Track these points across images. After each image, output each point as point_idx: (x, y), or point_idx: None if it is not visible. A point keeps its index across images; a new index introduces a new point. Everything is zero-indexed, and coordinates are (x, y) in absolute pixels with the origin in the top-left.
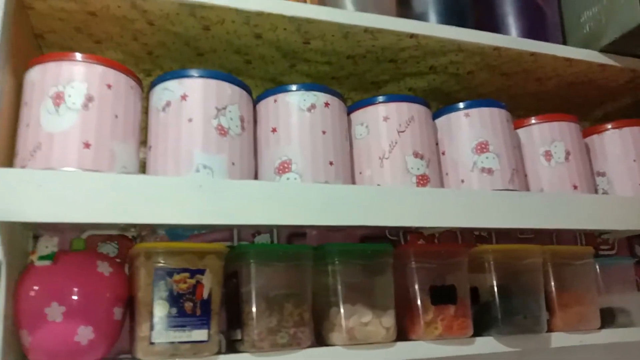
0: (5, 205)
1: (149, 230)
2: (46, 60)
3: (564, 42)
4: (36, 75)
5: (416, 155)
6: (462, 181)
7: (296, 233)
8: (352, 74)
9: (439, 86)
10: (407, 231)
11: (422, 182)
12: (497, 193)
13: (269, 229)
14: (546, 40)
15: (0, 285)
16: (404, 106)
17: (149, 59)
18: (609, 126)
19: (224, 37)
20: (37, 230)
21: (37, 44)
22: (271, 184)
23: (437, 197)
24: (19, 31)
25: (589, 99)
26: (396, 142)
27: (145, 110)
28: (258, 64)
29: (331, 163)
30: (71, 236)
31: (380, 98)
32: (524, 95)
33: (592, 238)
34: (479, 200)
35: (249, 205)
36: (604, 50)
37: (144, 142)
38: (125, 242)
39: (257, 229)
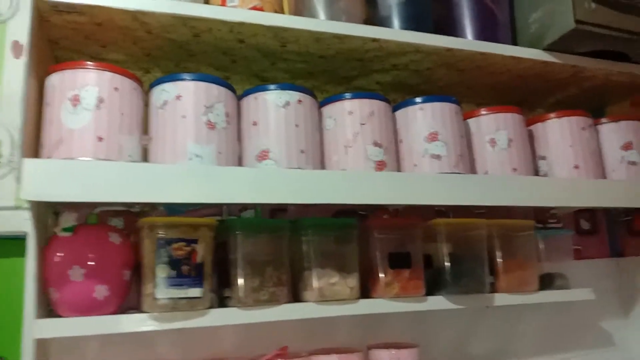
0: (36, 188)
1: (150, 207)
2: (64, 68)
3: (515, 42)
4: (56, 80)
5: (375, 144)
6: (415, 165)
7: (278, 208)
8: (325, 70)
9: (403, 80)
10: (374, 207)
11: (380, 167)
12: (444, 175)
13: (253, 205)
14: (497, 40)
15: (30, 252)
16: (366, 102)
17: (147, 60)
18: (551, 115)
19: (212, 42)
20: (56, 208)
21: (52, 48)
22: (252, 170)
23: (392, 180)
24: (39, 39)
25: (539, 90)
26: (358, 133)
27: (146, 104)
28: (242, 62)
29: (303, 151)
30: (85, 212)
31: (347, 95)
32: (479, 87)
33: (541, 213)
34: (428, 181)
35: (233, 187)
36: (547, 49)
37: (145, 130)
38: (130, 216)
39: (244, 206)
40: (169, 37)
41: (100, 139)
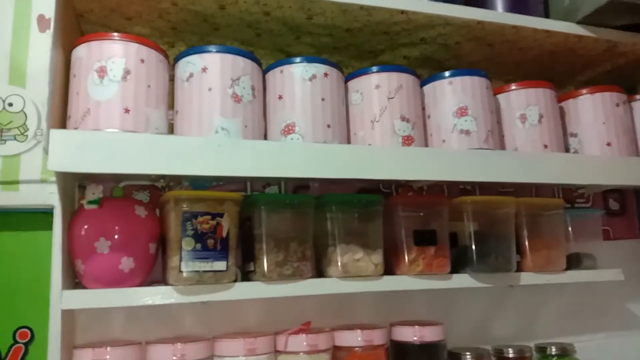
0: (62, 159)
1: (176, 182)
2: (90, 39)
3: (547, 15)
4: (82, 52)
5: (403, 119)
6: (444, 141)
7: (301, 185)
8: (351, 44)
9: (431, 55)
10: (398, 184)
11: (407, 142)
12: (473, 151)
13: (277, 181)
14: (529, 13)
15: (56, 225)
16: (394, 76)
17: (172, 33)
18: (583, 91)
19: (237, 14)
20: (82, 181)
21: (77, 21)
22: (278, 144)
23: (419, 155)
24: (65, 12)
25: (570, 66)
26: (386, 108)
27: (172, 79)
28: (267, 36)
29: (329, 126)
30: (110, 186)
31: (374, 68)
32: (508, 63)
33: (569, 192)
34: (456, 157)
35: (259, 161)
36: (581, 22)
37: (171, 105)
38: (155, 191)
39: (267, 182)
40: (194, 10)
41: (126, 110)
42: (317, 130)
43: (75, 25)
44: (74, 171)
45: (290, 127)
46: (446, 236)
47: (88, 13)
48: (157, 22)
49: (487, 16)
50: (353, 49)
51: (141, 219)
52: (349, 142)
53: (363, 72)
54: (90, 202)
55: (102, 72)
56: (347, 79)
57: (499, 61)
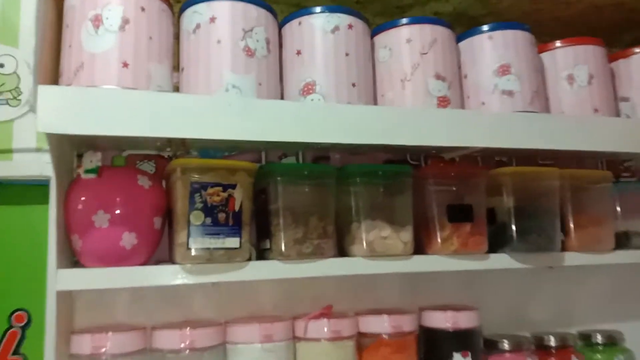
0: (52, 120)
1: (184, 151)
2: None
3: None
4: (75, 0)
5: (438, 77)
6: (483, 103)
7: (321, 156)
8: None
9: (465, 10)
10: (427, 155)
11: (442, 103)
12: (517, 114)
13: (294, 151)
14: None
15: (52, 197)
16: (427, 28)
17: None
18: (637, 50)
19: None
20: (80, 150)
21: None
22: (296, 104)
23: (457, 118)
24: None
25: (618, 23)
26: (418, 65)
27: (177, 37)
28: None
29: (354, 85)
30: (112, 155)
31: (404, 20)
32: (551, 20)
33: (614, 165)
34: (498, 121)
35: (274, 124)
36: None
37: (177, 67)
38: (162, 161)
39: (284, 152)
40: None
41: (125, 64)
42: (341, 90)
43: None
44: (64, 132)
45: (309, 86)
46: (483, 212)
47: None
48: None
49: None
50: (378, 4)
51: (144, 190)
52: (375, 104)
53: (392, 24)
54: (87, 171)
55: (97, 21)
56: (374, 33)
57: (539, 18)
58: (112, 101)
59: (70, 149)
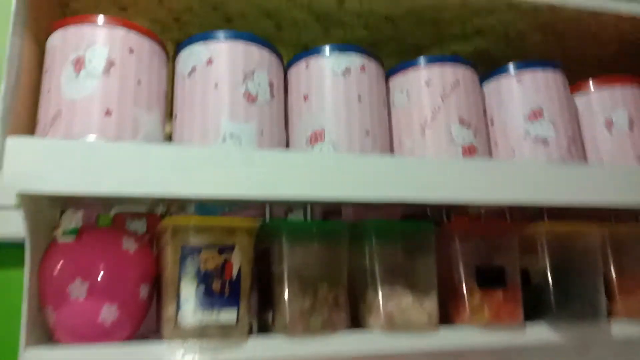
0: (20, 176)
1: (178, 207)
2: (67, 24)
3: None
4: (57, 40)
5: (462, 122)
6: (514, 152)
7: (331, 211)
8: (391, 38)
9: (487, 50)
10: (450, 209)
11: (468, 152)
12: (554, 165)
13: (302, 205)
14: None
15: (26, 262)
16: (448, 69)
17: (176, 27)
18: None
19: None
20: (65, 206)
21: (63, 13)
22: (302, 154)
23: (487, 169)
24: (43, 1)
25: None
26: (439, 109)
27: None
28: (289, 29)
29: (368, 132)
30: (99, 212)
31: (422, 60)
32: (582, 59)
33: None
34: (533, 172)
35: (278, 177)
36: None
37: (171, 114)
38: (154, 219)
39: (290, 206)
40: None
41: (108, 112)
42: (353, 138)
43: (60, 16)
44: (33, 192)
45: (318, 134)
46: (517, 274)
47: (73, 1)
48: (158, 12)
49: None
50: (393, 45)
51: (130, 255)
52: (392, 153)
53: (409, 65)
54: (65, 233)
55: (79, 64)
56: (388, 75)
57: (568, 57)
58: (91, 154)
59: (50, 206)
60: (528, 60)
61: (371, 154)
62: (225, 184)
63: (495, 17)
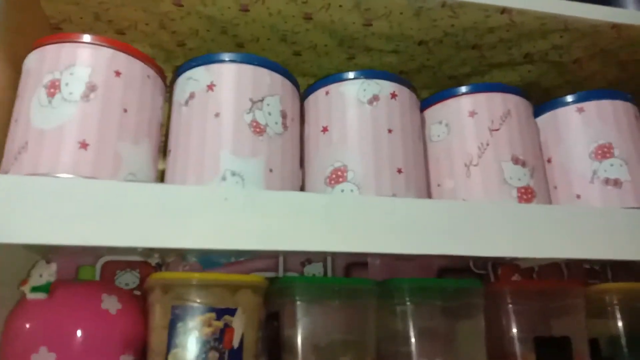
0: None
1: (177, 256)
2: (46, 42)
3: None
4: (33, 61)
5: (516, 161)
6: (578, 196)
7: (356, 262)
8: (425, 65)
9: (536, 80)
10: (497, 263)
11: (525, 196)
12: (631, 212)
13: (321, 256)
14: None
15: None
16: (497, 98)
17: (181, 53)
18: None
19: (267, 20)
20: (45, 255)
21: None
22: (321, 197)
23: (550, 217)
24: (28, 20)
25: None
26: (488, 144)
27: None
28: (309, 55)
29: (400, 171)
30: (86, 262)
31: (464, 89)
32: None
33: None
34: (607, 221)
35: (290, 226)
36: None
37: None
38: (148, 269)
39: (307, 257)
40: (206, 13)
41: (84, 144)
42: (382, 178)
43: None
44: None
45: (340, 173)
46: (585, 345)
47: (65, 23)
48: (159, 34)
49: (627, 17)
50: (427, 73)
51: (109, 317)
52: (429, 196)
53: (449, 94)
54: (35, 290)
55: (53, 87)
56: (424, 106)
57: (632, 88)
58: (58, 195)
59: (27, 254)
60: (591, 90)
61: (404, 197)
62: (224, 234)
63: (548, 41)
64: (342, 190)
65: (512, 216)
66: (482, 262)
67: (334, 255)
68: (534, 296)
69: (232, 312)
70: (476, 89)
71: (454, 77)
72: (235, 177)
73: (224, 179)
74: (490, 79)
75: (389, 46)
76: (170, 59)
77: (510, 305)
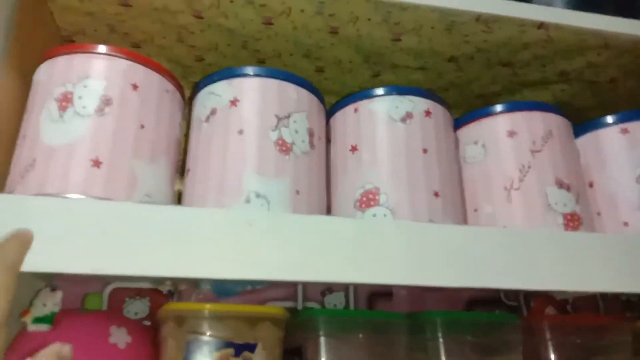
0: None
1: (190, 284)
2: (58, 53)
3: None
4: (43, 73)
5: (560, 184)
6: (626, 224)
7: (379, 292)
8: (453, 84)
9: (569, 100)
10: (529, 294)
11: (572, 223)
12: None
13: (343, 286)
14: None
15: None
16: (537, 117)
17: (199, 68)
18: None
19: (291, 34)
20: (50, 281)
21: None
22: (354, 223)
23: (602, 247)
24: (39, 33)
25: None
26: (529, 167)
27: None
28: (333, 72)
29: (437, 194)
30: (93, 288)
31: (500, 107)
32: None
33: None
34: None
35: (321, 254)
36: None
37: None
38: (159, 298)
39: (328, 286)
40: (227, 26)
41: (96, 162)
42: (419, 202)
43: None
44: None
45: (371, 196)
46: None
47: (78, 35)
48: (177, 48)
49: None
50: (455, 92)
51: (118, 352)
52: (465, 222)
53: (485, 112)
54: (37, 321)
55: (65, 101)
56: (456, 125)
57: None
58: (68, 217)
59: (32, 280)
60: (634, 109)
61: (443, 223)
62: (247, 262)
63: (584, 58)
64: (374, 215)
65: (561, 245)
66: (514, 293)
67: (358, 284)
68: (576, 332)
69: (251, 347)
70: (514, 108)
71: (483, 96)
72: (260, 199)
73: (247, 201)
74: (521, 99)
75: (416, 63)
76: (188, 74)
77: (549, 342)
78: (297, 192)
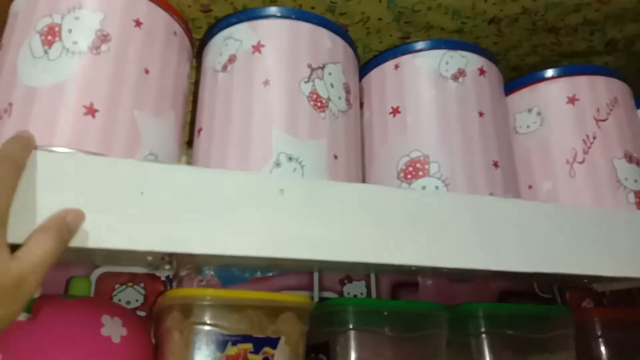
0: None
1: (192, 268)
2: None
3: None
4: (23, 2)
5: (630, 158)
6: None
7: (404, 282)
8: (494, 52)
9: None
10: (564, 286)
11: None
12: None
13: (364, 273)
14: None
15: None
16: (600, 82)
17: (205, 21)
18: None
19: None
20: None
21: None
22: (408, 194)
23: None
24: None
25: None
26: (595, 137)
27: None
28: (356, 32)
29: (496, 165)
30: (76, 273)
31: (558, 70)
32: None
33: None
34: None
35: (367, 230)
36: None
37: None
38: (156, 284)
39: (348, 274)
40: None
41: (90, 110)
42: (476, 172)
43: None
44: None
45: (419, 165)
46: None
47: None
48: None
49: None
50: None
51: (112, 347)
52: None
53: (540, 76)
54: None
55: (51, 34)
56: (508, 89)
57: None
58: (54, 176)
59: None
60: None
61: (503, 197)
62: (278, 237)
63: (637, 25)
64: (424, 187)
65: (632, 225)
66: (548, 285)
67: (379, 272)
68: (629, 326)
69: (273, 342)
70: (574, 71)
71: (518, 68)
72: (292, 163)
73: (277, 165)
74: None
75: (453, 24)
76: (192, 28)
77: (600, 338)
78: (335, 157)
